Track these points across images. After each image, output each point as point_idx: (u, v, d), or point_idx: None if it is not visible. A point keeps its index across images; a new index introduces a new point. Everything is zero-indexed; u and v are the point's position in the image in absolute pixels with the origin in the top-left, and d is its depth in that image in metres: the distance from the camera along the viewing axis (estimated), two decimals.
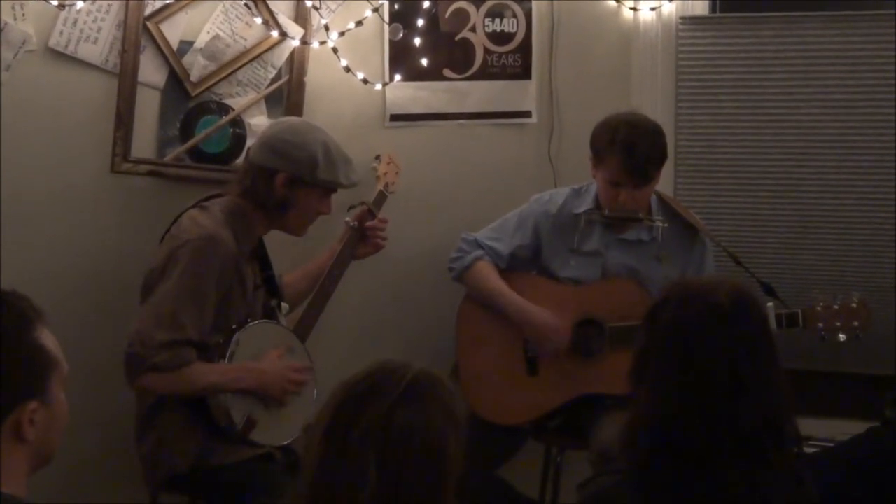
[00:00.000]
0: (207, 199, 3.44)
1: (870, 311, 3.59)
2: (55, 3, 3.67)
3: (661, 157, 3.62)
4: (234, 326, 3.33)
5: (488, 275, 3.78)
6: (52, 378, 1.92)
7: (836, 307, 3.57)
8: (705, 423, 2.08)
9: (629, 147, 3.55)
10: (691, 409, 2.09)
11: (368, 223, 3.78)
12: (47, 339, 1.93)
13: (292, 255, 3.78)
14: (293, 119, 3.68)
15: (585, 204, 3.76)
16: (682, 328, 2.14)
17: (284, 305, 3.57)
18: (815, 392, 3.86)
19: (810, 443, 3.16)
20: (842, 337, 3.57)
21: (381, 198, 3.86)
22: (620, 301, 3.64)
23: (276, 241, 3.57)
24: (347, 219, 3.78)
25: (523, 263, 3.84)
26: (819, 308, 3.57)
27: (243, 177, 3.42)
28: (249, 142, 3.87)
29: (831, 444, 3.16)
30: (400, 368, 1.89)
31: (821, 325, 3.56)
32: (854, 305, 3.57)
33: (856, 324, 3.57)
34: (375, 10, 3.88)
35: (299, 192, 3.40)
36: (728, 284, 2.19)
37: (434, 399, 1.88)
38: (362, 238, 3.78)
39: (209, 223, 3.30)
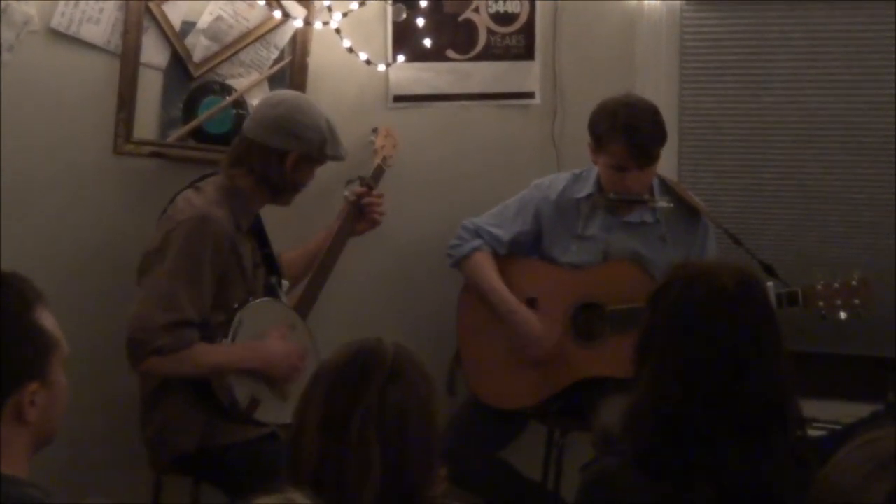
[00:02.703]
0: (202, 178, 3.44)
1: (871, 289, 3.59)
2: None
3: (663, 136, 3.63)
4: (235, 305, 3.33)
5: (483, 268, 3.77)
6: (52, 359, 1.92)
7: (836, 286, 3.56)
8: (708, 406, 2.08)
9: (631, 130, 3.55)
10: (694, 391, 2.09)
11: (366, 199, 3.78)
12: (47, 320, 1.93)
13: (290, 235, 3.78)
14: (289, 95, 3.61)
15: (587, 188, 3.75)
16: (686, 311, 2.14)
17: (285, 283, 3.57)
18: (819, 374, 3.85)
19: (814, 425, 3.16)
20: (843, 315, 3.56)
21: (380, 171, 3.86)
22: (620, 283, 3.64)
23: (274, 221, 3.57)
24: (346, 193, 3.78)
25: (524, 249, 3.84)
26: (819, 287, 3.56)
27: (245, 155, 3.40)
28: (261, 122, 3.86)
29: (836, 427, 3.17)
30: (379, 347, 1.92)
31: (821, 303, 3.56)
32: (855, 283, 3.57)
33: (857, 302, 3.56)
34: None
35: (305, 169, 3.43)
36: (732, 267, 2.19)
37: (415, 369, 1.92)
38: (360, 213, 3.78)
39: (202, 203, 3.30)
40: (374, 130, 3.96)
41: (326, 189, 3.67)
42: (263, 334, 3.37)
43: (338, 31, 3.82)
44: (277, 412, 3.36)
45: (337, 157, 3.47)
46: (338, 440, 1.83)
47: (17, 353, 1.87)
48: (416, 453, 1.86)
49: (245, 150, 3.41)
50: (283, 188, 3.43)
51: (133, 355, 3.21)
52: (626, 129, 3.55)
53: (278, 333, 3.39)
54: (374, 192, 3.80)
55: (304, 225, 3.83)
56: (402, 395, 1.87)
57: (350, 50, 3.86)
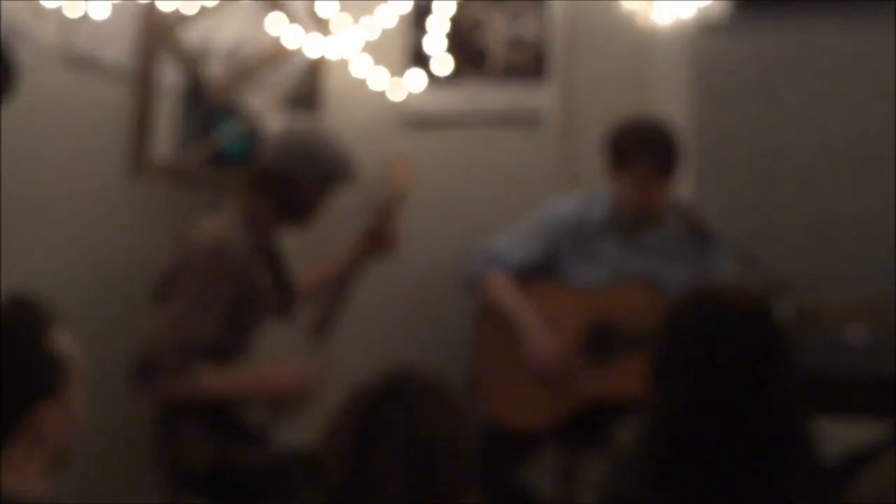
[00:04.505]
0: (221, 203, 3.47)
1: (884, 310, 3.58)
2: (75, 8, 3.69)
3: (682, 149, 3.65)
4: (250, 328, 3.34)
5: (499, 286, 3.79)
6: (69, 379, 1.94)
7: (850, 304, 3.56)
8: (722, 428, 2.09)
9: (655, 144, 3.59)
10: (708, 413, 2.09)
11: (382, 225, 3.79)
12: (64, 340, 1.95)
13: (307, 257, 3.79)
14: (304, 124, 3.69)
15: (599, 211, 3.77)
16: (700, 334, 2.14)
17: (300, 305, 3.58)
18: (831, 394, 3.85)
19: (826, 445, 3.15)
20: (856, 335, 3.56)
21: (395, 201, 3.87)
22: (634, 304, 3.65)
23: (289, 243, 3.59)
24: (362, 220, 3.79)
25: (537, 272, 3.85)
26: (833, 305, 3.56)
27: (262, 182, 3.43)
28: (276, 152, 3.89)
29: (849, 448, 3.16)
30: (414, 374, 1.94)
31: (835, 321, 3.55)
32: (868, 304, 3.56)
33: (870, 322, 3.56)
34: (394, 14, 3.89)
35: (321, 193, 3.45)
36: (745, 289, 2.20)
37: (448, 400, 1.94)
38: (376, 240, 3.80)
39: (219, 228, 3.32)
40: (391, 160, 3.97)
41: (342, 213, 3.69)
42: (277, 358, 3.38)
43: (353, 55, 3.85)
44: (292, 433, 3.37)
45: (352, 179, 3.50)
46: (365, 459, 1.85)
47: (32, 374, 1.89)
48: (442, 480, 1.87)
49: (262, 177, 3.45)
50: (299, 213, 3.46)
51: (140, 375, 3.23)
52: (650, 144, 3.59)
53: (290, 362, 3.40)
54: (390, 221, 3.81)
55: (320, 248, 3.84)
56: (433, 423, 1.89)
57: (365, 74, 3.88)
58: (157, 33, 3.79)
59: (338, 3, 3.88)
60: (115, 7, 3.75)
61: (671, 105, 4.09)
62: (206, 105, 3.91)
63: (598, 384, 3.69)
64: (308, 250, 3.77)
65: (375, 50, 3.95)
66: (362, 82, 3.92)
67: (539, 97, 4.16)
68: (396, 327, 4.14)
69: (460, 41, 4.08)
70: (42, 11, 3.71)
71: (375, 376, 1.96)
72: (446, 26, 4.02)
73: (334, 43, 3.88)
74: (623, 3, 4.11)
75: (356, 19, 3.91)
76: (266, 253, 3.46)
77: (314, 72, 3.95)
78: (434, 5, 4.00)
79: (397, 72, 4.04)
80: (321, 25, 3.91)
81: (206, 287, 3.25)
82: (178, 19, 3.82)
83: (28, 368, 1.89)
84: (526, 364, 3.73)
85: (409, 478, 1.84)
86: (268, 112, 3.95)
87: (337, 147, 3.45)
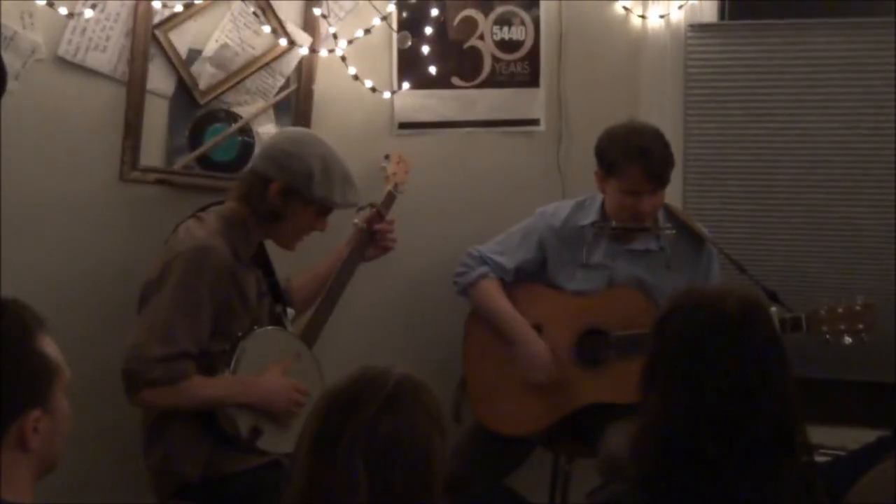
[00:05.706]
0: (205, 208, 3.44)
1: (875, 314, 3.58)
2: (64, 11, 3.68)
3: (673, 159, 3.65)
4: (239, 334, 3.32)
5: (491, 293, 3.79)
6: (54, 386, 1.92)
7: (840, 310, 3.56)
8: (715, 432, 2.08)
9: (645, 153, 3.57)
10: (700, 417, 2.08)
11: (377, 225, 3.77)
12: (49, 346, 1.93)
13: (298, 259, 3.77)
14: (298, 129, 3.70)
15: (590, 216, 3.76)
16: (691, 337, 2.13)
17: (290, 311, 3.56)
18: (826, 400, 3.85)
19: (821, 451, 3.15)
20: (847, 340, 3.55)
21: (391, 198, 3.84)
22: (624, 310, 3.65)
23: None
24: (356, 220, 3.77)
25: (529, 277, 3.84)
26: (823, 312, 3.56)
27: (241, 183, 3.42)
28: (258, 150, 3.88)
29: (842, 453, 3.16)
30: (381, 375, 1.90)
31: (825, 328, 3.55)
32: (858, 308, 3.56)
33: (860, 326, 3.55)
34: (384, 18, 3.89)
35: (292, 204, 3.36)
36: (737, 293, 2.19)
37: (417, 403, 1.88)
38: (371, 240, 3.77)
39: (202, 234, 3.30)
40: (387, 157, 3.96)
41: (336, 214, 3.68)
42: (266, 365, 3.36)
43: (343, 58, 3.84)
44: (280, 441, 3.35)
45: (332, 202, 3.38)
46: (325, 463, 1.82)
47: (18, 381, 1.87)
48: (407, 486, 1.83)
49: (243, 177, 3.44)
50: (262, 216, 3.37)
51: (128, 387, 3.21)
52: (641, 153, 3.57)
53: (278, 369, 3.38)
54: (386, 219, 3.79)
55: (313, 251, 3.82)
56: (396, 426, 1.83)
57: (355, 77, 3.87)
58: (147, 37, 3.77)
59: (329, 6, 3.87)
60: (105, 10, 3.74)
61: (661, 110, 4.09)
62: (197, 109, 3.89)
63: (588, 389, 3.68)
64: (299, 251, 3.75)
65: (367, 54, 3.94)
66: (352, 87, 3.91)
67: (531, 101, 4.16)
68: (389, 331, 4.13)
69: (451, 46, 4.08)
70: (32, 14, 3.70)
71: (346, 375, 1.92)
72: (438, 31, 4.01)
73: (325, 46, 3.87)
74: (613, 7, 4.11)
75: (347, 23, 3.90)
76: (254, 258, 3.43)
77: (305, 75, 3.93)
78: (426, 10, 3.98)
79: (388, 76, 4.03)
80: (312, 29, 3.90)
81: (191, 294, 3.22)
82: (168, 23, 3.81)
83: (15, 375, 1.87)
84: (520, 372, 3.72)
85: (366, 481, 1.79)
86: (258, 116, 3.93)
87: (317, 161, 3.34)
